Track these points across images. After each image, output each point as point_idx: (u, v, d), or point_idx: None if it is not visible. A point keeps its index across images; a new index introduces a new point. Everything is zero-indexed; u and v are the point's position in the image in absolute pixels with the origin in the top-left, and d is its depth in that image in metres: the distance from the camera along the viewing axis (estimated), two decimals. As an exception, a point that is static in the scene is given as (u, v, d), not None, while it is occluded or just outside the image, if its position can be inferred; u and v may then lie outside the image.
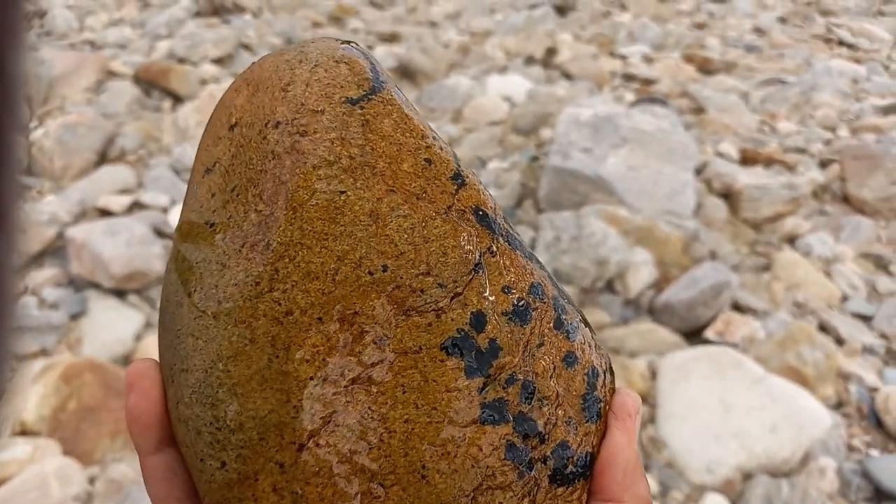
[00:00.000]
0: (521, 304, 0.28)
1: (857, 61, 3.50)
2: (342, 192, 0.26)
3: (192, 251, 0.28)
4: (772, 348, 1.46)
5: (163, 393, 0.28)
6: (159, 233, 1.71)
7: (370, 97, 0.28)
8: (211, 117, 0.31)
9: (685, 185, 1.88)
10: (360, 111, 0.27)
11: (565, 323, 0.29)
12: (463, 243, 0.27)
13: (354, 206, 0.26)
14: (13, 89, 0.13)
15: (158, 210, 1.81)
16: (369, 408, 0.26)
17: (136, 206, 1.82)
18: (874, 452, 1.35)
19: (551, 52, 3.07)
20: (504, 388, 0.27)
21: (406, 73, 2.78)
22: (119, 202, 1.80)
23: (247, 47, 2.86)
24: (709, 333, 1.55)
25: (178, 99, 2.37)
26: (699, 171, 2.14)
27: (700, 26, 3.84)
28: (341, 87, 0.28)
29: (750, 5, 4.34)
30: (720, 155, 2.30)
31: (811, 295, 1.75)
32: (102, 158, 2.03)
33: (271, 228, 0.26)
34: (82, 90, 2.38)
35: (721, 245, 1.86)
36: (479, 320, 0.27)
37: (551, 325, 0.29)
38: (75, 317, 1.51)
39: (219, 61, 2.69)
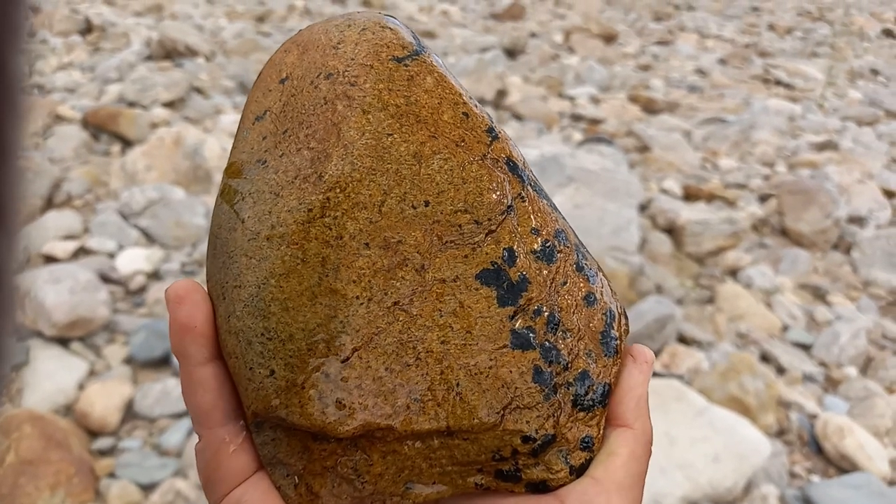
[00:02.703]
0: (547, 245, 0.30)
1: (793, 100, 3.67)
2: (389, 135, 0.29)
3: (243, 184, 0.31)
4: (715, 379, 1.50)
5: (212, 308, 0.30)
6: (105, 278, 1.68)
7: (413, 57, 0.31)
8: (259, 75, 0.33)
9: (629, 222, 1.93)
10: (405, 68, 0.30)
11: (586, 267, 0.32)
12: (497, 186, 0.30)
13: (400, 147, 0.29)
14: (14, 88, 0.13)
15: (105, 255, 1.78)
16: (409, 328, 0.28)
17: (81, 252, 1.80)
18: (815, 478, 1.38)
19: (502, 93, 3.14)
20: (532, 318, 0.29)
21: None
22: (64, 248, 1.77)
23: (199, 91, 2.87)
24: (655, 366, 1.58)
25: (127, 143, 2.36)
26: (644, 207, 2.21)
27: (645, 68, 3.99)
28: (388, 47, 0.31)
29: (692, 47, 4.53)
30: (664, 191, 2.37)
31: (753, 326, 1.80)
32: (48, 204, 2.00)
33: (323, 163, 0.28)
34: (29, 135, 2.34)
35: (666, 279, 1.91)
36: (510, 256, 0.29)
37: (574, 267, 0.31)
38: (17, 367, 1.47)
39: (170, 105, 2.69)
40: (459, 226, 0.29)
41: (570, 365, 0.30)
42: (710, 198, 2.38)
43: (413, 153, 0.29)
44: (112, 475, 1.28)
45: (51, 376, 1.43)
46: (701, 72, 4.03)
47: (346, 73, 0.30)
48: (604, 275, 0.33)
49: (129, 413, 1.40)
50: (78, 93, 2.76)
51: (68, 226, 1.87)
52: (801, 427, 1.50)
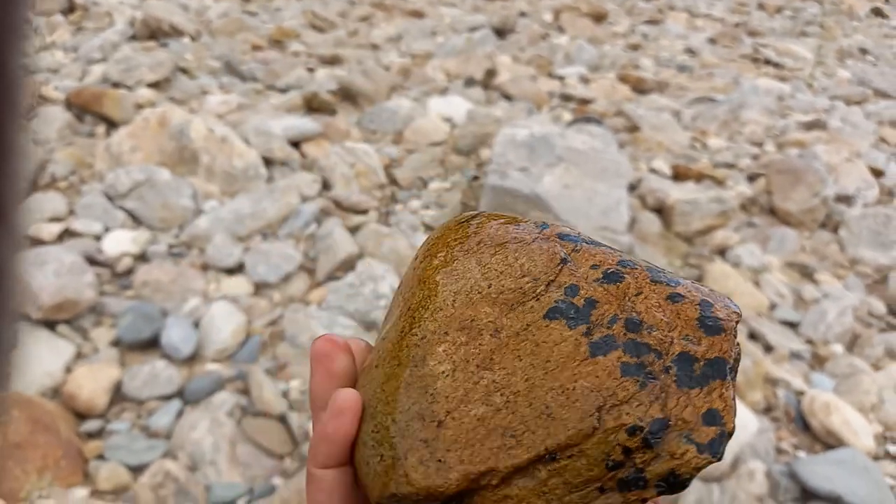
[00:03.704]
0: (610, 271, 0.32)
1: (783, 79, 3.67)
2: (455, 259, 0.35)
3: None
4: (703, 357, 1.51)
5: (356, 423, 0.34)
6: (91, 260, 1.67)
7: (476, 217, 0.37)
8: None
9: (619, 202, 1.93)
10: (467, 224, 0.37)
11: (663, 279, 0.32)
12: (548, 249, 0.33)
13: (465, 263, 0.34)
14: (15, 86, 0.13)
15: (90, 237, 1.77)
16: (494, 381, 0.30)
17: (66, 234, 1.78)
18: (801, 454, 1.40)
19: (491, 73, 3.12)
20: (608, 326, 0.30)
21: (347, 95, 2.79)
22: (49, 230, 1.75)
23: (184, 71, 2.83)
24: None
25: (112, 124, 2.33)
26: (634, 187, 2.21)
27: (634, 47, 3.97)
28: (458, 218, 0.38)
29: (681, 27, 4.51)
30: (653, 171, 2.37)
31: (741, 304, 1.81)
32: (33, 186, 1.98)
33: (410, 299, 0.35)
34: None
35: (655, 258, 1.91)
36: (573, 289, 0.32)
37: (647, 280, 0.32)
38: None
39: (155, 85, 2.65)
40: (521, 288, 0.32)
41: (664, 353, 0.29)
42: (699, 177, 2.38)
43: (476, 261, 0.34)
44: (101, 457, 1.28)
45: (38, 359, 1.42)
46: (690, 51, 4.01)
47: (428, 242, 0.37)
48: (693, 282, 0.33)
49: (117, 395, 1.40)
50: (61, 73, 2.72)
51: (53, 208, 1.84)
52: (787, 404, 1.51)
